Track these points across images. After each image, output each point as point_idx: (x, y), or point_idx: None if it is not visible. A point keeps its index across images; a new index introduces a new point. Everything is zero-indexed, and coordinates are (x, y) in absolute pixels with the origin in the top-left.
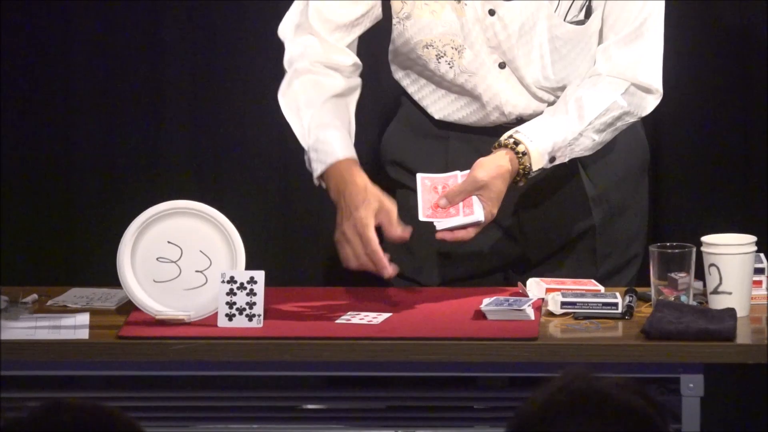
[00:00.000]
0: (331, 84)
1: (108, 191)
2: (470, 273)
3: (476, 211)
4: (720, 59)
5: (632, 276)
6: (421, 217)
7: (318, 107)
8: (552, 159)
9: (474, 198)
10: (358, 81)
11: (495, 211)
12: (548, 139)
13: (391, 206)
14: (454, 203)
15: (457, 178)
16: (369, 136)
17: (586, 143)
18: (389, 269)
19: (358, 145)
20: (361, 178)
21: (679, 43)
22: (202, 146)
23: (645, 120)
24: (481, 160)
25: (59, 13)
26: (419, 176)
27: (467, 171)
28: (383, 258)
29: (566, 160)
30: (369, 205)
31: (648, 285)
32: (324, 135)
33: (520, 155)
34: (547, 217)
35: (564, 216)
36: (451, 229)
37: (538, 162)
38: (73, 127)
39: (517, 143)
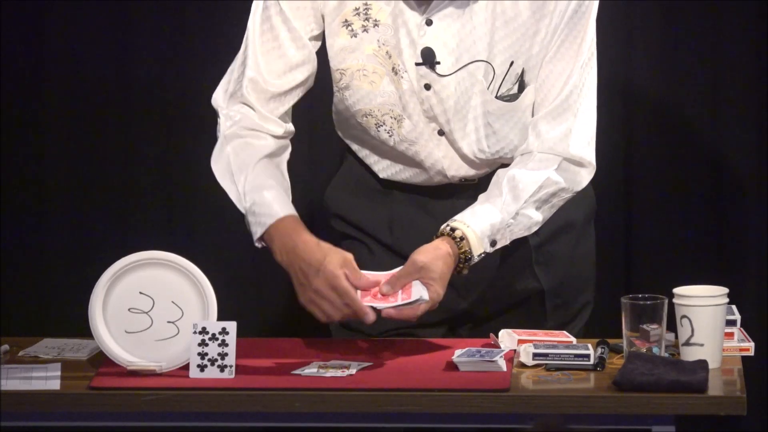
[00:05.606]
0: (262, 144)
1: (79, 242)
2: (414, 323)
3: (418, 291)
4: (690, 108)
5: (583, 325)
6: (364, 303)
7: (251, 169)
8: (493, 242)
9: (415, 282)
10: (287, 143)
11: (441, 291)
12: (485, 222)
13: (348, 255)
14: (396, 289)
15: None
16: (321, 187)
17: (525, 222)
18: (371, 314)
19: (305, 197)
20: (308, 235)
21: (651, 96)
22: (174, 196)
23: (617, 169)
24: (420, 247)
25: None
26: None
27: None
28: (363, 305)
29: (508, 242)
30: (333, 259)
31: (617, 336)
32: (260, 197)
33: (458, 240)
34: (490, 271)
35: (508, 270)
36: (397, 308)
37: (477, 247)
38: (45, 177)
39: (453, 230)
